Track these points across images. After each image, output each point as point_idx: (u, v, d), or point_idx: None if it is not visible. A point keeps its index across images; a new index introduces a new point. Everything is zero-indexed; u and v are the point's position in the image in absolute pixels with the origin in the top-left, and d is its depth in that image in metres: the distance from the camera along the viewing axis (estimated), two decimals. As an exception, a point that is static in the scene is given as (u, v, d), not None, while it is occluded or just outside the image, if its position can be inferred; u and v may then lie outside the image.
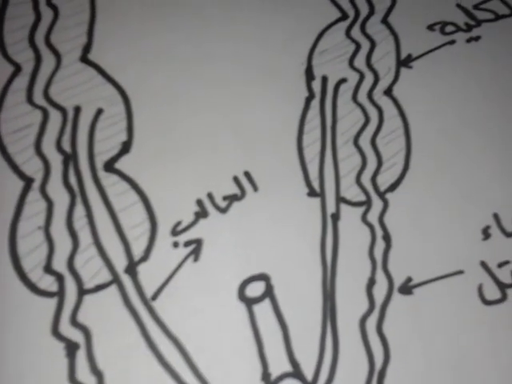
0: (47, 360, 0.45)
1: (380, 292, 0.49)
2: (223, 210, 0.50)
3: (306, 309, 0.48)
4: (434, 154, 0.54)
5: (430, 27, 0.59)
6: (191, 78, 0.54)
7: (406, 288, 0.49)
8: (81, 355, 0.45)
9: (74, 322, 0.46)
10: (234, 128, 0.53)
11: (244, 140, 0.53)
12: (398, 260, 0.50)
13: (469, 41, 0.58)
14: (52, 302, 0.46)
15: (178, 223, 0.49)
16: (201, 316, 0.47)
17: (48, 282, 0.47)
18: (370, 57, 0.57)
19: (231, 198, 0.51)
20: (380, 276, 0.50)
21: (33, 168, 0.50)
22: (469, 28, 0.59)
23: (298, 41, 0.57)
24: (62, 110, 0.52)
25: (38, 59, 0.54)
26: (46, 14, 0.55)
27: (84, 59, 0.54)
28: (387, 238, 0.51)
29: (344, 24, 0.59)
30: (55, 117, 0.52)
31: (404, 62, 0.57)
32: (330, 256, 0.50)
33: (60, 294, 0.47)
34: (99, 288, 0.47)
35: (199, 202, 0.50)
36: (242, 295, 0.48)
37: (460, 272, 0.50)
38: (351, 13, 0.59)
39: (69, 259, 0.48)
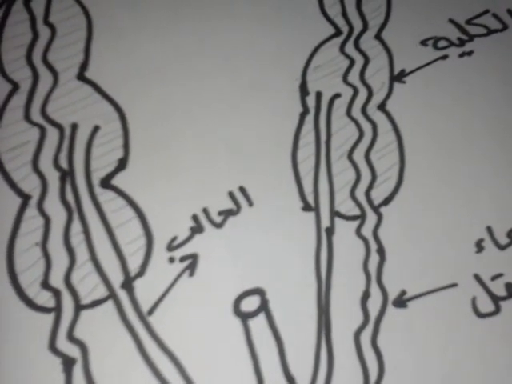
0: (44, 375, 0.46)
1: (374, 305, 0.51)
2: (219, 225, 0.52)
3: (300, 323, 0.49)
4: (428, 167, 0.56)
5: (423, 42, 0.61)
6: (186, 94, 0.56)
7: (401, 301, 0.51)
8: (77, 370, 0.47)
9: (70, 337, 0.48)
10: (228, 143, 0.55)
11: (239, 155, 0.55)
12: (393, 273, 0.52)
13: (461, 55, 0.60)
14: (49, 318, 0.48)
15: (174, 238, 0.51)
16: (197, 331, 0.48)
17: (45, 298, 0.48)
18: (363, 72, 0.59)
19: (226, 213, 0.52)
20: (374, 289, 0.51)
21: (30, 185, 0.52)
22: (461, 43, 0.61)
23: (292, 56, 0.59)
24: (59, 128, 0.54)
25: (36, 77, 0.56)
26: (44, 33, 0.57)
27: (81, 77, 0.56)
28: (381, 251, 0.52)
29: (338, 40, 0.61)
30: (52, 134, 0.54)
31: (397, 77, 0.59)
32: (324, 270, 0.52)
33: (57, 309, 0.48)
34: (96, 303, 0.49)
35: (195, 218, 0.52)
36: (237, 310, 0.49)
37: (454, 285, 0.52)
38: (345, 29, 0.61)
39: (66, 275, 0.49)
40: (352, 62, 0.60)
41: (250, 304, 0.50)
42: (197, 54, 0.58)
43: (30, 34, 0.57)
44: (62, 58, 0.57)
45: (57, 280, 0.49)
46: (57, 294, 0.48)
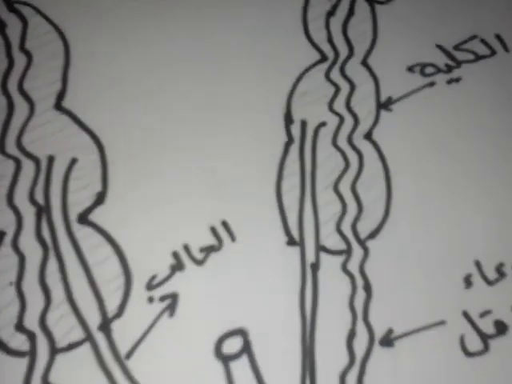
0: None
1: (361, 345, 0.49)
2: (200, 262, 0.51)
3: (284, 364, 0.48)
4: (415, 199, 0.55)
5: (410, 69, 0.60)
6: (166, 123, 0.55)
7: (387, 340, 0.50)
8: (52, 418, 0.45)
9: (45, 382, 0.46)
10: (209, 175, 0.53)
11: (220, 187, 0.53)
12: (379, 311, 0.50)
13: (449, 82, 0.59)
14: (23, 362, 0.46)
15: (154, 277, 0.50)
16: (176, 374, 0.47)
17: (19, 341, 0.47)
18: (349, 100, 0.58)
19: (208, 250, 0.51)
20: (360, 328, 0.50)
21: (5, 221, 0.50)
22: (449, 69, 0.60)
23: (276, 83, 0.58)
24: (35, 160, 0.52)
25: (11, 107, 0.54)
26: (19, 60, 0.56)
27: (58, 106, 0.55)
28: (368, 287, 0.51)
29: (323, 66, 0.60)
30: (28, 167, 0.52)
31: (384, 105, 0.58)
32: (309, 308, 0.50)
33: (32, 353, 0.47)
34: (72, 346, 0.47)
35: (175, 254, 0.51)
36: (218, 352, 0.48)
37: (442, 322, 0.50)
38: (331, 55, 0.60)
39: (41, 316, 0.48)
40: (338, 89, 0.59)
41: (232, 345, 0.48)
42: (178, 82, 0.57)
43: (5, 61, 0.56)
44: (38, 87, 0.55)
45: (32, 322, 0.47)
46: (32, 336, 0.47)
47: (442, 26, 0.62)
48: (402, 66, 0.60)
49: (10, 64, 0.55)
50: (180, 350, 0.47)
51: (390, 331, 0.50)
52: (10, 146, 0.53)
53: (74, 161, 0.53)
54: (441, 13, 0.62)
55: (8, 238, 0.50)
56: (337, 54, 0.60)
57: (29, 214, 0.51)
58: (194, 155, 0.54)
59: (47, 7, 0.58)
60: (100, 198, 0.51)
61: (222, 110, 0.56)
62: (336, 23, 0.62)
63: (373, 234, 0.53)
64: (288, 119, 0.57)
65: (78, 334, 0.47)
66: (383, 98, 0.58)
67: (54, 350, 0.47)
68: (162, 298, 0.49)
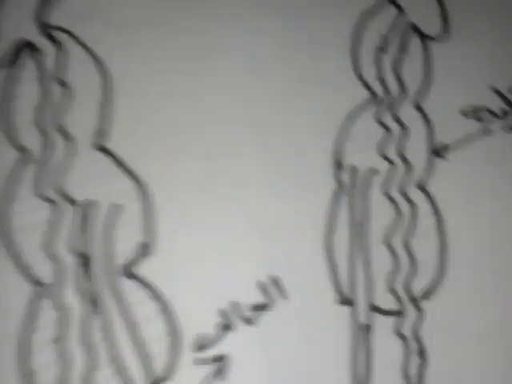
0: None
1: (415, 413, 0.48)
2: (250, 322, 0.49)
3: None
4: (473, 255, 0.53)
5: (464, 112, 0.58)
6: (215, 173, 0.52)
7: (443, 409, 0.48)
8: None
9: None
10: (260, 227, 0.52)
11: (270, 239, 0.52)
12: (435, 378, 0.49)
13: (506, 130, 0.58)
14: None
15: (202, 337, 0.48)
16: None
17: (62, 405, 0.45)
18: (401, 145, 0.56)
19: (259, 308, 0.49)
20: (415, 395, 0.49)
21: (44, 270, 0.48)
22: (504, 114, 0.58)
23: (325, 126, 0.56)
24: (76, 205, 0.50)
25: (48, 145, 0.52)
26: (57, 93, 0.53)
27: (99, 146, 0.52)
28: (422, 352, 0.50)
29: (374, 108, 0.57)
30: (68, 212, 0.50)
31: (438, 152, 0.56)
32: (362, 371, 0.49)
33: (77, 419, 0.45)
34: (120, 412, 0.45)
35: (223, 313, 0.49)
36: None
37: (498, 391, 0.49)
38: (382, 94, 0.58)
39: (85, 378, 0.46)
40: (389, 133, 0.57)
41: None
42: (227, 128, 0.54)
43: (42, 95, 0.53)
44: (77, 123, 0.52)
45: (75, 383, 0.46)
46: (76, 401, 0.45)
47: (497, 68, 0.60)
48: (456, 108, 0.58)
49: (47, 97, 0.53)
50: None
51: (445, 400, 0.49)
52: (48, 188, 0.50)
53: (118, 207, 0.50)
54: (496, 53, 0.60)
55: (48, 290, 0.47)
56: (389, 96, 0.58)
57: (70, 264, 0.48)
58: (243, 206, 0.51)
59: (85, 34, 0.55)
60: (145, 250, 0.49)
61: (269, 154, 0.54)
62: (387, 61, 0.59)
63: (427, 294, 0.52)
64: (337, 165, 0.55)
65: (125, 398, 0.45)
66: (437, 144, 0.56)
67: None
68: (212, 361, 0.47)
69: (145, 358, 0.46)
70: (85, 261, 0.48)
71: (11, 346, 0.45)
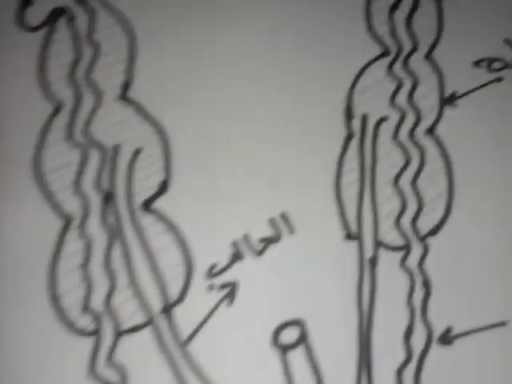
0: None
1: (418, 342, 0.50)
2: (259, 253, 0.52)
3: (341, 358, 0.49)
4: (479, 196, 0.55)
5: (477, 63, 0.59)
6: (229, 117, 0.56)
7: (446, 338, 0.50)
8: (116, 397, 0.48)
9: (110, 362, 0.49)
10: (271, 168, 0.55)
11: (281, 180, 0.55)
12: (438, 309, 0.51)
13: (517, 78, 0.59)
14: (89, 342, 0.49)
15: (214, 265, 0.51)
16: (235, 361, 0.49)
17: (86, 322, 0.50)
18: (412, 94, 0.58)
19: (267, 241, 0.52)
20: (418, 325, 0.51)
21: (72, 207, 0.53)
22: (516, 63, 0.59)
23: (337, 77, 0.58)
24: (102, 149, 0.55)
25: (79, 97, 0.57)
26: (87, 51, 0.58)
27: (124, 97, 0.57)
28: (427, 284, 0.51)
29: (386, 60, 0.60)
30: (94, 155, 0.55)
31: (448, 101, 0.58)
32: (366, 303, 0.51)
33: (97, 333, 0.49)
34: (135, 329, 0.49)
35: (235, 244, 0.52)
36: (275, 341, 0.49)
37: (503, 323, 0.51)
38: (394, 49, 0.60)
39: (106, 299, 0.50)
40: (400, 84, 0.59)
41: (290, 335, 0.50)
42: (241, 73, 0.58)
43: (74, 52, 0.58)
44: (104, 78, 0.57)
45: (98, 304, 0.50)
46: (97, 318, 0.49)
47: (510, 20, 0.61)
48: (468, 60, 0.59)
49: (78, 55, 0.58)
50: (238, 337, 0.49)
51: (449, 329, 0.50)
52: (78, 135, 0.55)
53: (138, 150, 0.55)
54: (509, 6, 0.61)
55: (75, 224, 0.52)
56: (400, 48, 0.60)
57: (95, 200, 0.53)
58: (257, 149, 0.55)
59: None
60: (163, 187, 0.53)
61: (282, 103, 0.57)
62: (400, 17, 0.61)
63: (433, 231, 0.53)
64: (348, 113, 0.57)
65: (141, 317, 0.49)
66: (447, 94, 0.58)
67: (118, 332, 0.49)
68: (222, 287, 0.50)
69: (160, 284, 0.50)
70: (108, 197, 0.53)
71: (44, 273, 0.50)
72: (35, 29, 0.57)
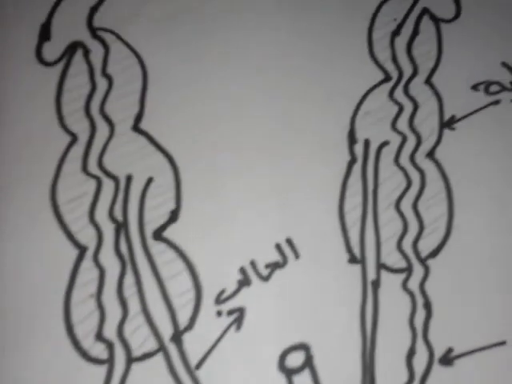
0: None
1: (420, 363, 0.49)
2: (265, 278, 0.52)
3: (345, 380, 0.49)
4: (478, 218, 0.54)
5: (475, 87, 0.59)
6: (237, 145, 0.56)
7: (447, 359, 0.49)
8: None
9: (123, 388, 0.49)
10: (279, 194, 0.54)
11: (287, 206, 0.54)
12: (439, 329, 0.50)
13: (514, 101, 0.58)
14: (102, 370, 0.49)
15: (222, 291, 0.51)
16: (242, 385, 0.49)
17: (99, 350, 0.50)
18: (412, 118, 0.58)
19: (273, 266, 0.52)
20: (420, 346, 0.50)
21: (87, 236, 0.53)
22: (514, 86, 0.59)
23: (340, 102, 0.58)
24: (115, 179, 0.55)
25: (93, 129, 0.57)
26: (101, 84, 0.59)
27: (136, 128, 0.57)
28: (428, 306, 0.51)
29: (387, 85, 0.59)
30: (108, 186, 0.55)
31: (447, 124, 0.57)
32: (369, 325, 0.51)
33: (110, 361, 0.49)
34: (146, 356, 0.49)
35: (242, 270, 0.52)
36: (282, 365, 0.49)
37: (503, 343, 0.50)
38: (395, 74, 0.60)
39: (119, 327, 0.50)
40: (401, 108, 0.58)
41: (295, 360, 0.49)
42: (248, 103, 0.58)
43: (89, 85, 0.58)
44: (118, 109, 0.58)
45: (110, 332, 0.50)
46: (110, 346, 0.50)
47: (508, 44, 0.60)
48: (467, 84, 0.59)
49: (93, 88, 0.58)
50: (245, 361, 0.49)
51: (450, 350, 0.49)
52: (92, 166, 0.55)
53: (150, 180, 0.55)
54: (507, 30, 0.60)
55: (89, 253, 0.52)
56: (401, 73, 0.59)
57: (108, 230, 0.53)
58: (262, 176, 0.55)
59: (127, 34, 0.60)
60: (173, 216, 0.53)
61: (287, 128, 0.57)
62: (401, 43, 0.61)
63: (434, 253, 0.53)
64: (351, 138, 0.57)
65: (151, 344, 0.49)
66: (446, 117, 0.57)
67: (130, 359, 0.49)
68: (230, 312, 0.50)
69: (170, 311, 0.50)
70: (121, 227, 0.53)
71: (59, 302, 0.50)
72: (53, 63, 0.57)
